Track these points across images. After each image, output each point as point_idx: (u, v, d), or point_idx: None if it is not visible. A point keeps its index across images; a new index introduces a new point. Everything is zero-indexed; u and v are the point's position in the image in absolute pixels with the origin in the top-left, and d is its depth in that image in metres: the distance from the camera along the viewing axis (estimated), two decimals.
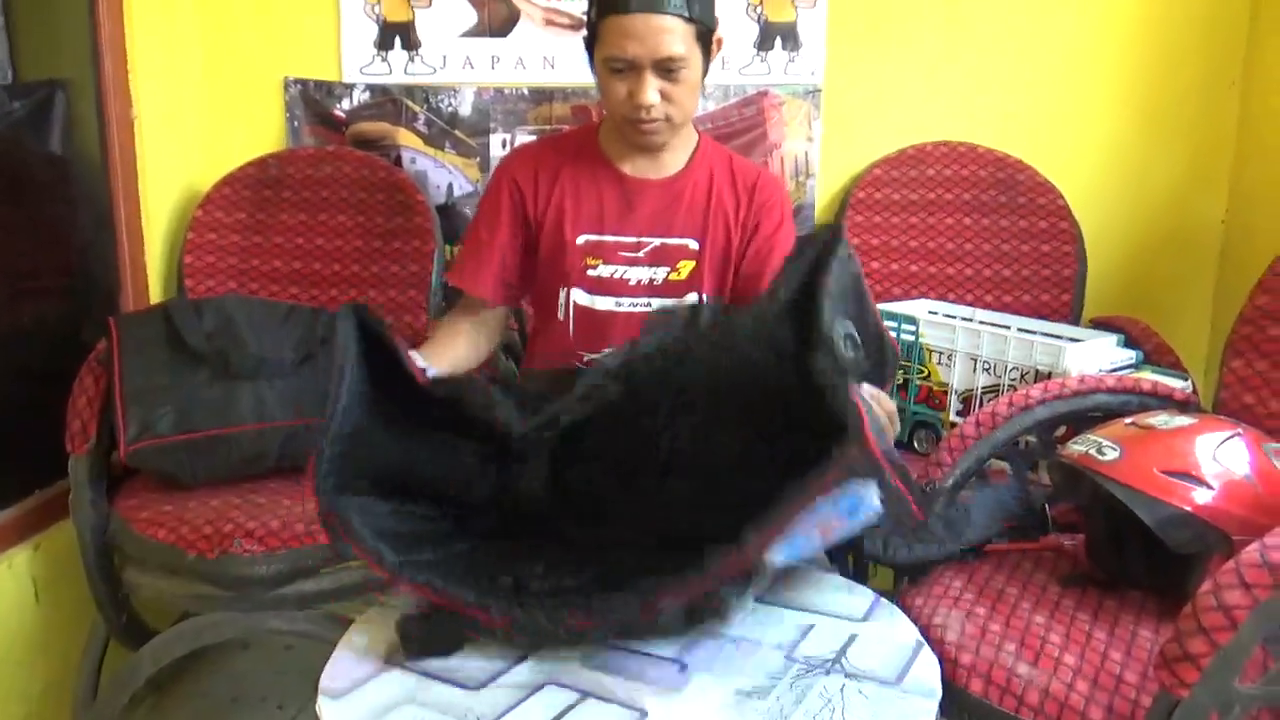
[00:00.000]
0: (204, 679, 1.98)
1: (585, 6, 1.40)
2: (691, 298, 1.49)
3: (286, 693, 1.93)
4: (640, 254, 1.48)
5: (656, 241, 1.48)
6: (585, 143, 1.51)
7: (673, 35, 1.31)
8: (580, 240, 1.48)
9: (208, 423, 1.56)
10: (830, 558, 1.67)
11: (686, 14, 1.31)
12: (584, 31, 1.42)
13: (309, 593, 1.49)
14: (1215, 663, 0.89)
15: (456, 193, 2.13)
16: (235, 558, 1.44)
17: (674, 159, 1.49)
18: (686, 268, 1.49)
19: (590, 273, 1.48)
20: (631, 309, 1.48)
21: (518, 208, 1.50)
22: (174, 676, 1.93)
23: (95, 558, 1.54)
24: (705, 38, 1.37)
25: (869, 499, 0.92)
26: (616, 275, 1.49)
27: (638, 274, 1.49)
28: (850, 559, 1.70)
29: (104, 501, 1.56)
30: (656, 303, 1.49)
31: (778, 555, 0.93)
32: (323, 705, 0.91)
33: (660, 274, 1.49)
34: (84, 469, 1.54)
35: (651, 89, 1.35)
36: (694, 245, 1.49)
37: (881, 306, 1.92)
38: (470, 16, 2.08)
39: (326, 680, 0.96)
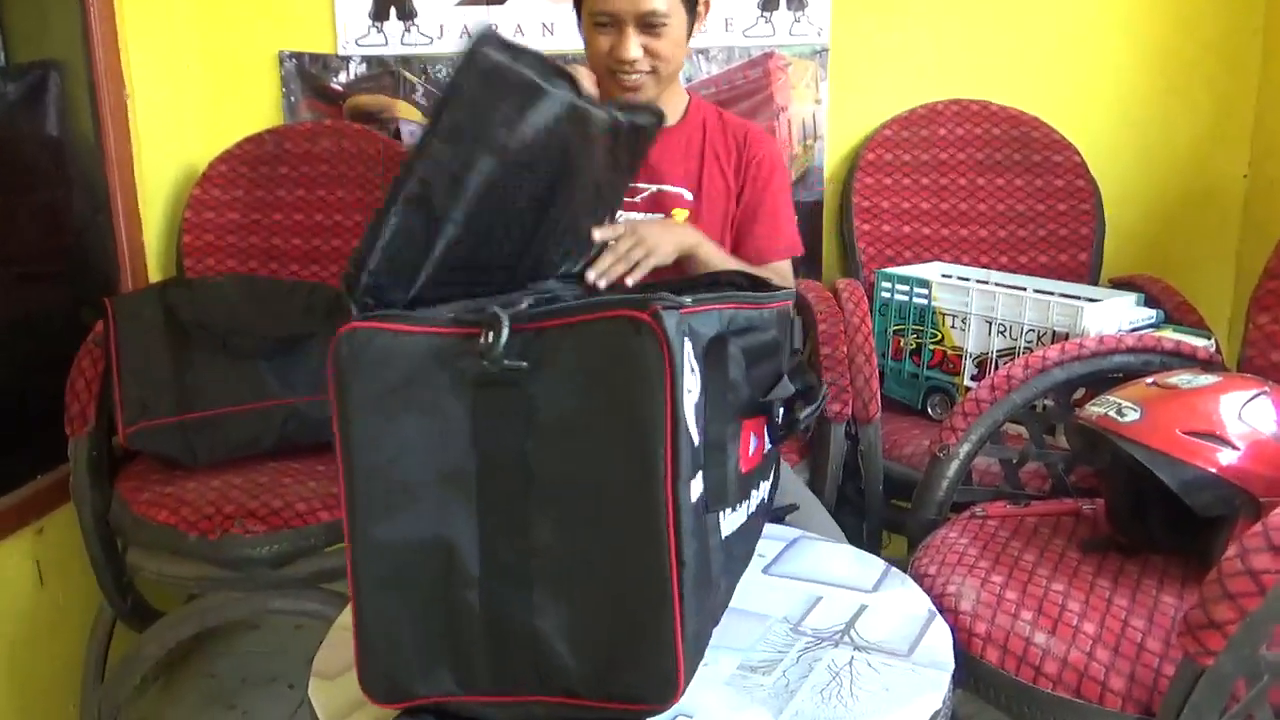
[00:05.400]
0: (213, 660, 1.98)
1: None
2: None
3: (296, 673, 1.92)
4: (637, 199, 1.50)
5: (653, 188, 1.50)
6: None
7: None
8: None
9: (206, 403, 1.54)
10: (842, 525, 1.65)
11: None
12: None
13: (312, 572, 1.48)
14: (1242, 630, 0.85)
15: None
16: (237, 538, 1.42)
17: (670, 111, 1.49)
18: (680, 215, 1.51)
19: None
20: None
21: None
22: (183, 658, 1.92)
23: (98, 541, 1.53)
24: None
25: None
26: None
27: (633, 218, 1.50)
28: (864, 528, 1.68)
29: (105, 484, 1.55)
30: None
31: None
32: (314, 687, 0.89)
33: (655, 220, 1.50)
34: (84, 452, 1.52)
35: (634, 44, 1.37)
36: (688, 195, 1.51)
37: (894, 270, 1.87)
38: None
39: (320, 662, 0.93)
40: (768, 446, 0.95)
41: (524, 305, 0.73)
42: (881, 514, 1.64)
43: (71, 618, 1.67)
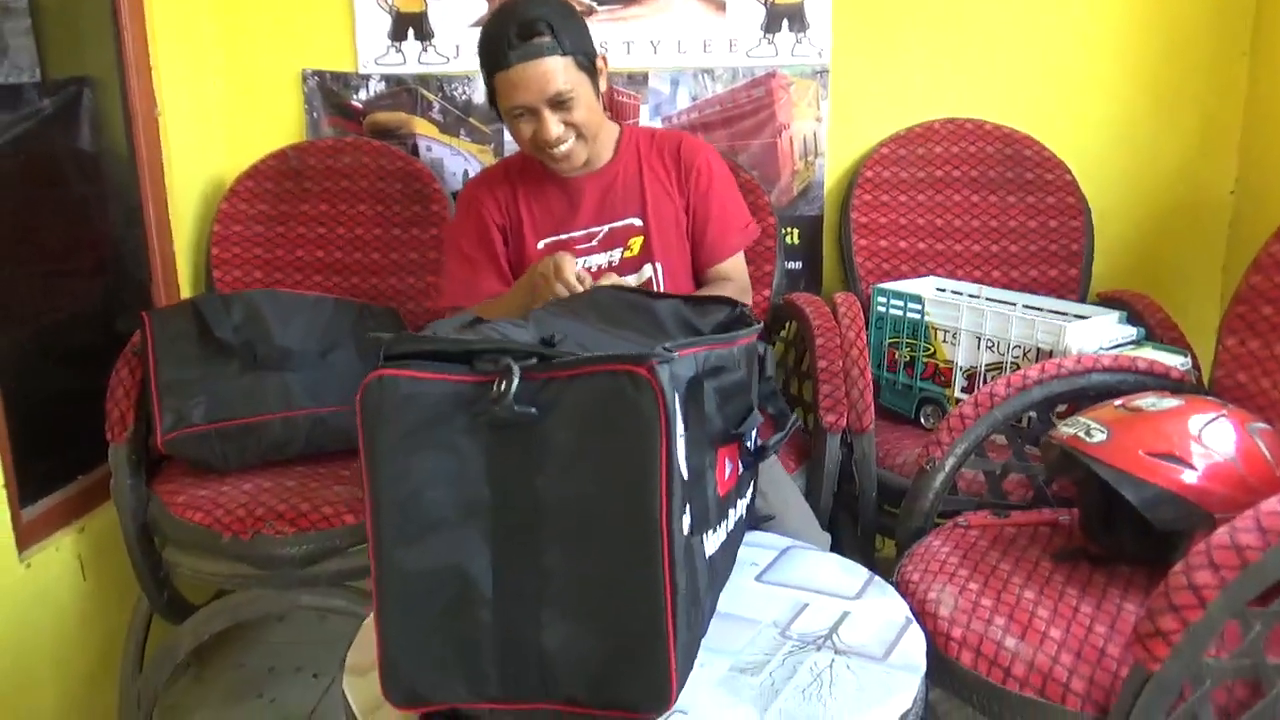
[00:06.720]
0: (242, 651, 2.08)
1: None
2: (647, 269, 1.65)
3: (320, 662, 2.03)
4: (593, 243, 1.64)
5: (605, 228, 1.64)
6: (527, 161, 1.65)
7: (554, 74, 1.46)
8: (541, 244, 1.64)
9: (238, 412, 1.63)
10: (834, 528, 1.74)
11: (560, 51, 1.46)
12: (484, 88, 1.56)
13: (338, 570, 1.58)
14: (1185, 639, 0.94)
15: None
16: (268, 539, 1.53)
17: (603, 153, 1.64)
18: (637, 243, 1.65)
19: None
20: None
21: (491, 221, 1.64)
22: (214, 648, 2.03)
23: (136, 539, 1.63)
24: (587, 65, 1.51)
25: None
26: (579, 266, 1.60)
27: (596, 260, 1.64)
28: (857, 528, 1.77)
29: (143, 486, 1.65)
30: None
31: None
32: (348, 683, 0.98)
33: (615, 255, 1.65)
34: (123, 456, 1.62)
35: (552, 125, 1.50)
36: (638, 222, 1.64)
37: (889, 285, 1.96)
38: (481, 6, 2.11)
39: (354, 657, 1.02)
40: (742, 469, 1.04)
41: (533, 360, 0.80)
42: (875, 519, 1.73)
43: (110, 611, 1.77)
